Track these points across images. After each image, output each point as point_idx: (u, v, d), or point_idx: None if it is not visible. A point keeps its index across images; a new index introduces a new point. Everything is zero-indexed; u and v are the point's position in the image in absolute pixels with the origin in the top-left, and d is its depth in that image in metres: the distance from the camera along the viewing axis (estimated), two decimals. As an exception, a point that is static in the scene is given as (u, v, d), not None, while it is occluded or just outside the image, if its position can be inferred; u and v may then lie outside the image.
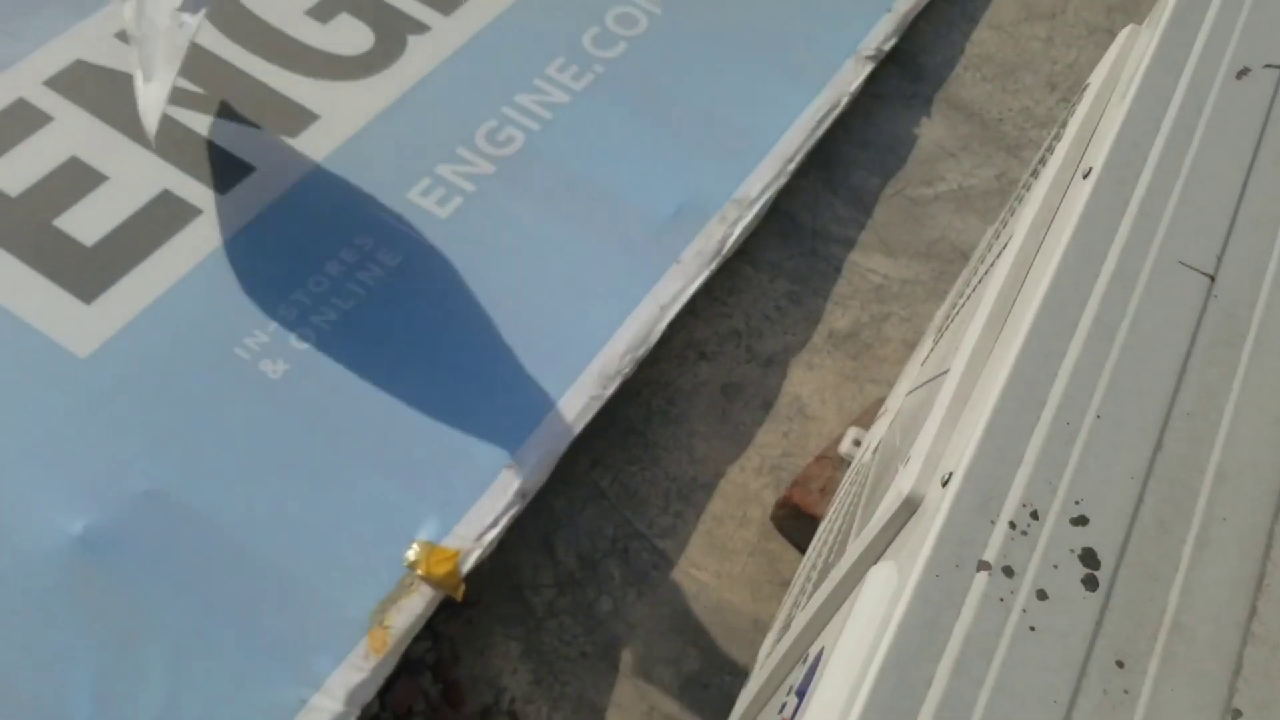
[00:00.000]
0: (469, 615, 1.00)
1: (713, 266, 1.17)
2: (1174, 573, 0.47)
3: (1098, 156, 0.62)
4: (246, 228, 1.11)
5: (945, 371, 0.60)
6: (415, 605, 0.94)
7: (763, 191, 1.24)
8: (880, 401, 1.08)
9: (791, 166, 1.26)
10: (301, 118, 1.20)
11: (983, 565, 0.46)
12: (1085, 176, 0.61)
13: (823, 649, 0.54)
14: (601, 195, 1.21)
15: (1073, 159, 0.68)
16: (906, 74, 1.44)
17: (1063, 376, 0.52)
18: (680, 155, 1.25)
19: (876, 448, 0.74)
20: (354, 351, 1.06)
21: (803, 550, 1.07)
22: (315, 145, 1.18)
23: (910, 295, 1.25)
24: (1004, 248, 0.67)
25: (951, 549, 0.46)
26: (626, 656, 1.01)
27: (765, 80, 1.33)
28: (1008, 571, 0.46)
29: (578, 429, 1.05)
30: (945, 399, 0.56)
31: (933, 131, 1.40)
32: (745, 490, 1.10)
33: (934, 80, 1.44)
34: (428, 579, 0.95)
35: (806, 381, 1.18)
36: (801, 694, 0.54)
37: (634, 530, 1.07)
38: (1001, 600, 0.45)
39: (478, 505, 1.00)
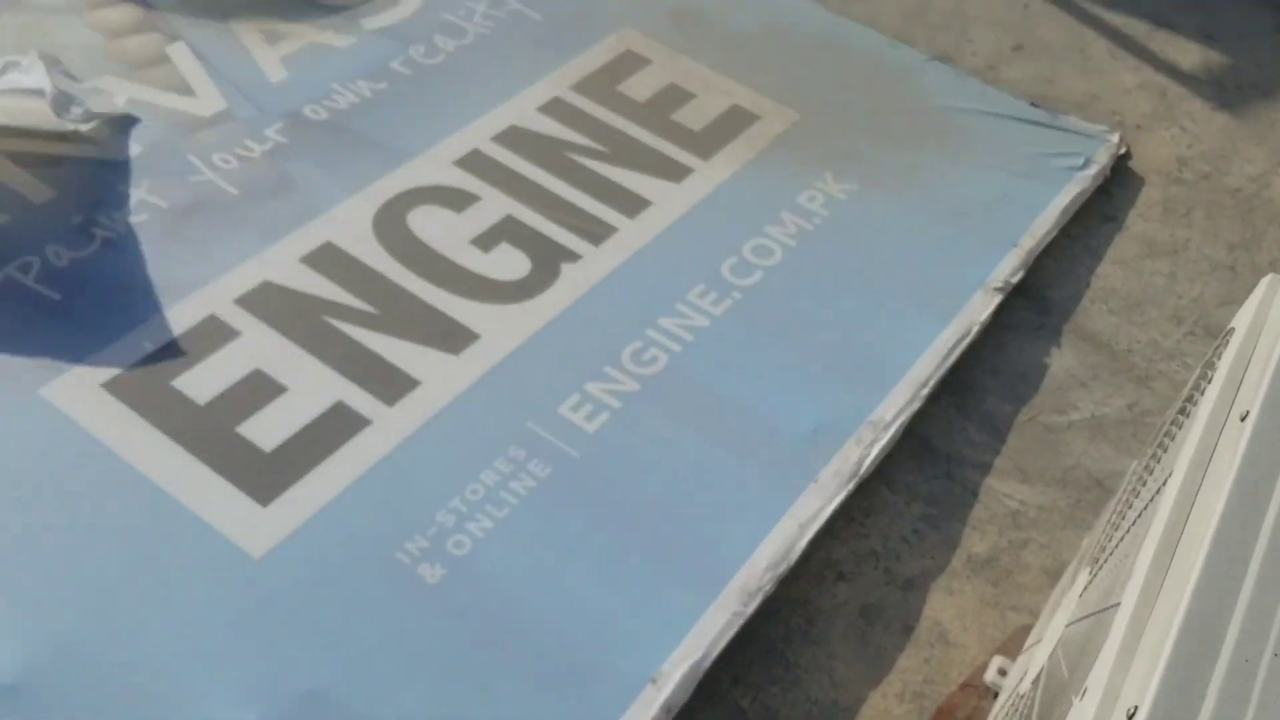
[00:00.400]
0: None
1: (850, 487, 1.20)
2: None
3: (1253, 401, 0.65)
4: (411, 438, 1.18)
5: (1115, 605, 0.62)
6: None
7: (897, 415, 1.28)
8: (1025, 629, 1.08)
9: (925, 391, 1.30)
10: (463, 337, 1.29)
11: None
12: (1242, 419, 0.63)
13: None
14: (740, 414, 1.26)
15: (1225, 401, 0.71)
16: (1034, 306, 1.48)
17: (1238, 614, 0.54)
18: (815, 378, 1.31)
19: (1038, 678, 0.75)
20: (507, 559, 1.10)
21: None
22: (475, 363, 1.27)
23: (1048, 522, 1.26)
24: (1162, 485, 0.69)
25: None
26: None
27: (896, 309, 1.40)
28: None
29: (721, 646, 1.06)
30: (1119, 634, 0.58)
31: (1063, 361, 1.43)
32: (888, 717, 1.10)
33: (1061, 312, 1.49)
34: (574, 794, 0.96)
35: (946, 607, 1.19)
36: None
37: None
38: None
39: (621, 720, 1.01)
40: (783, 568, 1.13)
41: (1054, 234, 1.53)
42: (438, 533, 1.11)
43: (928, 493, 1.28)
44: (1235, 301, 1.53)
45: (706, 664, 1.05)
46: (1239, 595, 0.55)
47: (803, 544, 1.15)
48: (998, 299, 1.42)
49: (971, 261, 1.47)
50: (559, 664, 1.04)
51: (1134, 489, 0.83)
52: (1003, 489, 1.29)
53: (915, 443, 1.31)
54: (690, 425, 1.24)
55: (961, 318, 1.39)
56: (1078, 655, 0.67)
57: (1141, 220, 1.63)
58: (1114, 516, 0.84)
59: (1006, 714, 0.85)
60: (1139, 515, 0.73)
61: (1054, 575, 1.22)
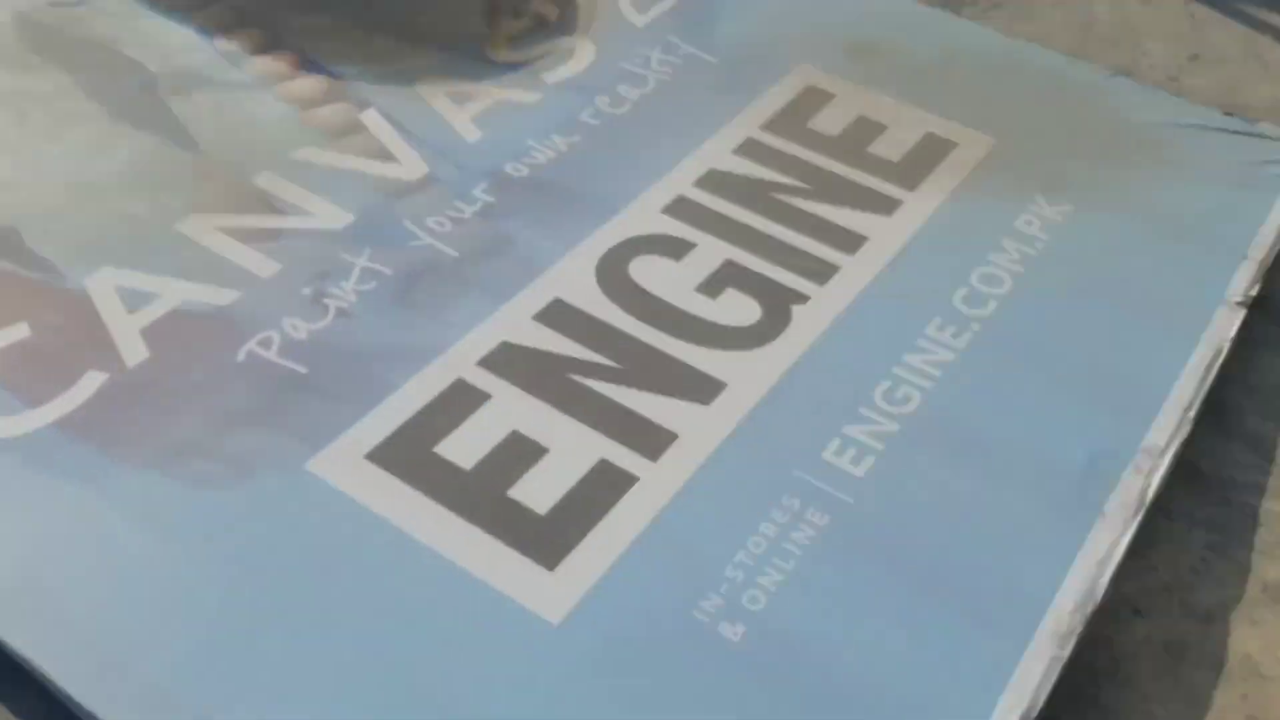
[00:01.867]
0: None
1: (1139, 518, 1.16)
2: None
3: None
4: (681, 493, 1.15)
5: None
6: None
7: (1170, 440, 1.23)
8: None
9: (1192, 414, 1.25)
10: (711, 387, 1.26)
11: None
12: None
13: None
14: (1009, 448, 1.21)
15: None
16: (1274, 319, 1.43)
17: None
18: (1075, 406, 1.26)
19: None
20: (804, 613, 1.06)
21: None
22: (728, 412, 1.23)
23: (1342, 543, 1.21)
24: None
25: None
26: None
27: (1141, 330, 1.34)
28: None
29: (1046, 693, 1.02)
30: None
31: (1314, 374, 1.38)
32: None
33: (1302, 323, 1.44)
34: None
35: (1252, 638, 1.13)
36: None
37: None
38: None
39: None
40: (1089, 607, 1.08)
41: (1279, 244, 1.49)
42: (730, 589, 1.08)
43: (1207, 519, 1.23)
44: None
45: (1034, 714, 1.00)
46: None
47: (1105, 580, 1.10)
48: (1241, 314, 1.37)
49: (1205, 277, 1.42)
50: (864, 713, 1.00)
51: None
52: (1284, 511, 1.24)
53: (1183, 468, 1.27)
54: (962, 463, 1.20)
55: (1209, 335, 1.34)
56: None
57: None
58: None
59: None
60: None
61: (1357, 599, 1.16)
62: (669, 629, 1.06)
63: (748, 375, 1.35)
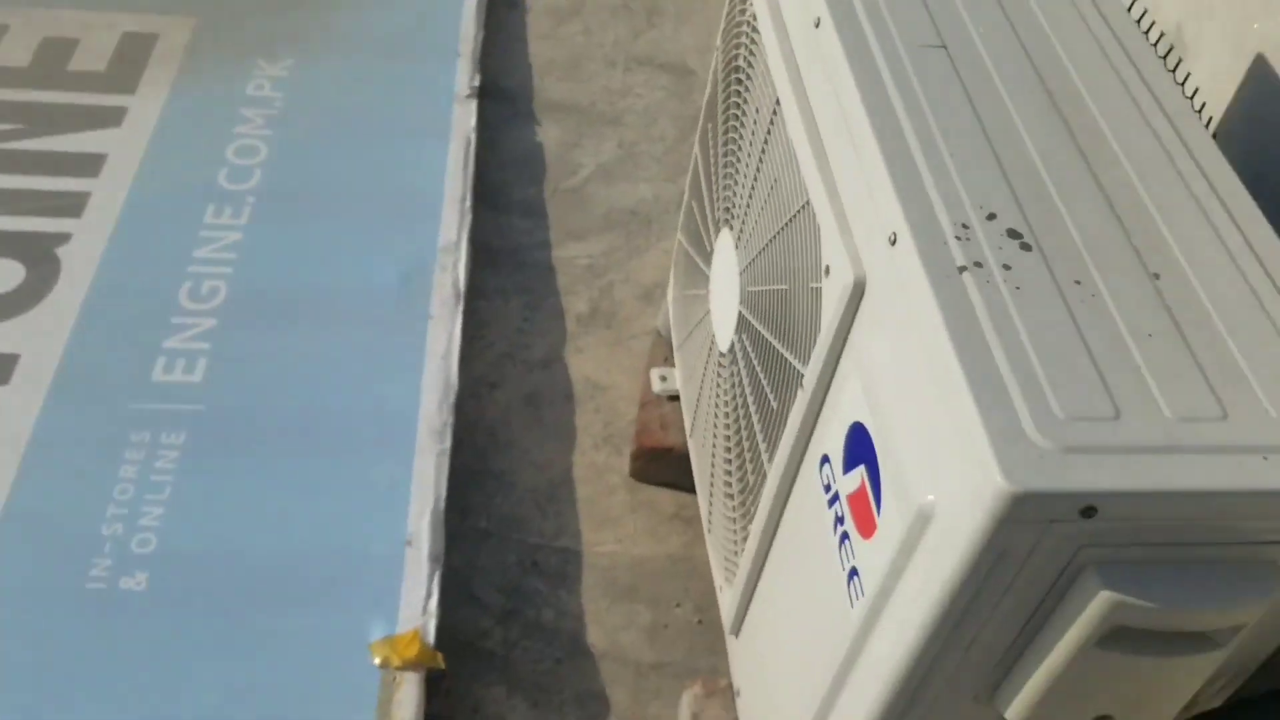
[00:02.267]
0: (445, 688, 1.03)
1: (461, 307, 1.26)
2: (1064, 219, 0.65)
3: (818, 8, 0.78)
4: (18, 479, 1.05)
5: (804, 204, 0.75)
6: (409, 695, 0.96)
7: (459, 233, 1.34)
8: (658, 340, 1.23)
9: (468, 204, 1.37)
10: (3, 366, 1.14)
11: (962, 269, 0.61)
12: (817, 26, 0.77)
13: (857, 422, 0.67)
14: (326, 296, 1.25)
15: (784, 28, 0.84)
16: (500, 99, 1.59)
17: (911, 141, 0.68)
18: (369, 235, 1.32)
19: (733, 346, 0.87)
20: (199, 528, 1.04)
21: (672, 485, 1.18)
22: (31, 384, 1.13)
23: (617, 261, 1.40)
24: (771, 118, 0.83)
25: (938, 269, 0.61)
26: (592, 643, 1.08)
27: (394, 148, 1.43)
28: (978, 265, 0.61)
29: (444, 486, 1.10)
30: (828, 214, 0.71)
31: (549, 134, 1.56)
32: (595, 467, 1.20)
33: (524, 96, 1.61)
34: (405, 665, 0.97)
35: (584, 364, 1.30)
36: (860, 459, 0.66)
37: (531, 545, 1.14)
38: (989, 281, 0.60)
39: (404, 588, 1.02)
40: (451, 398, 1.17)
41: (481, 33, 1.63)
42: (114, 545, 1.02)
43: (515, 286, 1.37)
44: (643, 34, 1.74)
45: (441, 506, 1.08)
46: (899, 120, 0.69)
47: (454, 370, 1.19)
48: (474, 104, 1.50)
49: (431, 81, 1.53)
50: (320, 578, 1.02)
51: (724, 160, 0.97)
52: (568, 254, 1.41)
53: (480, 251, 1.39)
54: (289, 327, 1.21)
55: (457, 132, 1.46)
56: (780, 273, 0.80)
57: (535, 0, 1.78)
58: (716, 187, 0.98)
59: (713, 382, 0.98)
60: (759, 156, 0.86)
61: (645, 295, 1.37)
62: (65, 611, 0.99)
63: (38, 336, 1.24)
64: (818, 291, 0.73)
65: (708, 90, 1.04)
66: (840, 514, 0.70)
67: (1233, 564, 0.58)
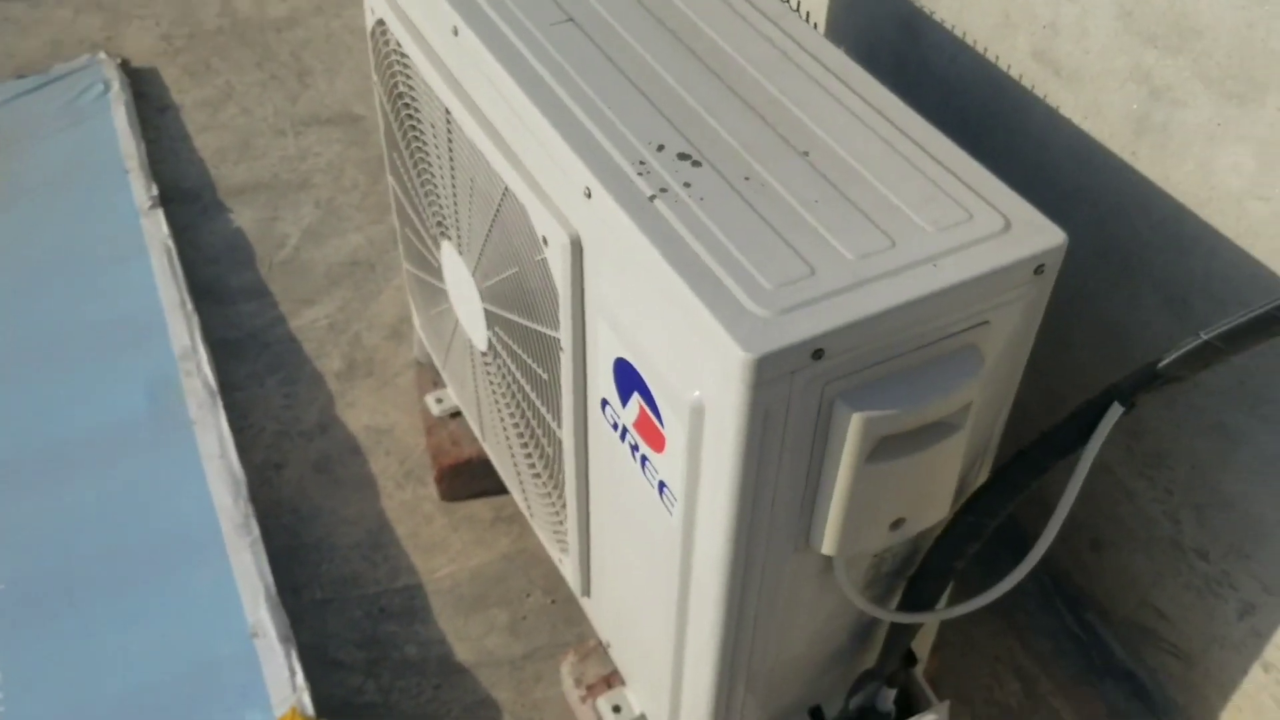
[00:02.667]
0: (339, 754, 1.05)
1: (219, 401, 1.27)
2: (718, 132, 0.74)
3: (453, 20, 0.85)
4: None
5: (505, 190, 0.82)
6: (308, 771, 0.98)
7: (191, 336, 1.34)
8: (422, 368, 1.27)
9: (190, 306, 1.37)
10: None
11: (652, 198, 0.69)
12: (456, 33, 0.84)
13: (618, 358, 0.74)
14: (86, 435, 1.23)
15: (432, 52, 0.90)
16: (186, 199, 1.58)
17: (570, 104, 0.76)
18: (104, 366, 1.31)
19: (490, 342, 0.94)
20: (46, 693, 1.02)
21: (482, 494, 1.24)
22: None
23: (353, 315, 1.44)
24: (449, 134, 0.89)
25: (632, 203, 0.69)
26: (462, 659, 1.12)
27: (103, 271, 1.41)
28: (663, 190, 0.70)
29: (268, 573, 1.11)
30: (526, 192, 0.78)
31: (245, 215, 1.57)
32: (406, 504, 1.24)
33: (208, 190, 1.61)
34: (295, 745, 0.99)
35: (359, 415, 1.33)
36: (632, 388, 0.74)
37: (372, 595, 1.17)
38: (677, 200, 0.69)
39: (266, 675, 1.04)
40: (244, 490, 1.18)
41: (142, 144, 1.62)
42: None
43: (265, 366, 1.38)
44: (301, 96, 1.77)
45: (273, 590, 1.10)
46: (552, 90, 0.77)
47: (235, 461, 1.21)
48: (159, 213, 1.50)
49: (111, 204, 1.52)
50: (172, 709, 1.02)
51: (421, 180, 1.02)
52: (306, 321, 1.43)
53: (219, 346, 1.39)
54: (59, 484, 1.19)
55: (153, 244, 1.46)
56: (506, 259, 0.86)
57: (183, 96, 1.76)
58: (422, 207, 1.03)
59: (485, 382, 1.04)
60: (450, 165, 0.92)
61: (393, 334, 1.41)
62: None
63: None
64: (544, 263, 0.81)
65: (381, 125, 1.10)
66: (634, 442, 0.78)
67: (944, 356, 0.69)
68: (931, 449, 0.71)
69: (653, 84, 0.79)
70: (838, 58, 0.83)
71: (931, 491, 0.75)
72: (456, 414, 1.27)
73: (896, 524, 0.75)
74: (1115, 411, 0.74)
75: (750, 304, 0.64)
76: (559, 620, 1.16)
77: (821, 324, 0.63)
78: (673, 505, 0.75)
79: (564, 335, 0.82)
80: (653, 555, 0.83)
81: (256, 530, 1.15)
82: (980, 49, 1.04)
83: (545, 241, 0.79)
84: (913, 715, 0.94)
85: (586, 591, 1.04)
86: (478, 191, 0.89)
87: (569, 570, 1.04)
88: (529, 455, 1.02)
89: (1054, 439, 0.77)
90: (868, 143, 0.75)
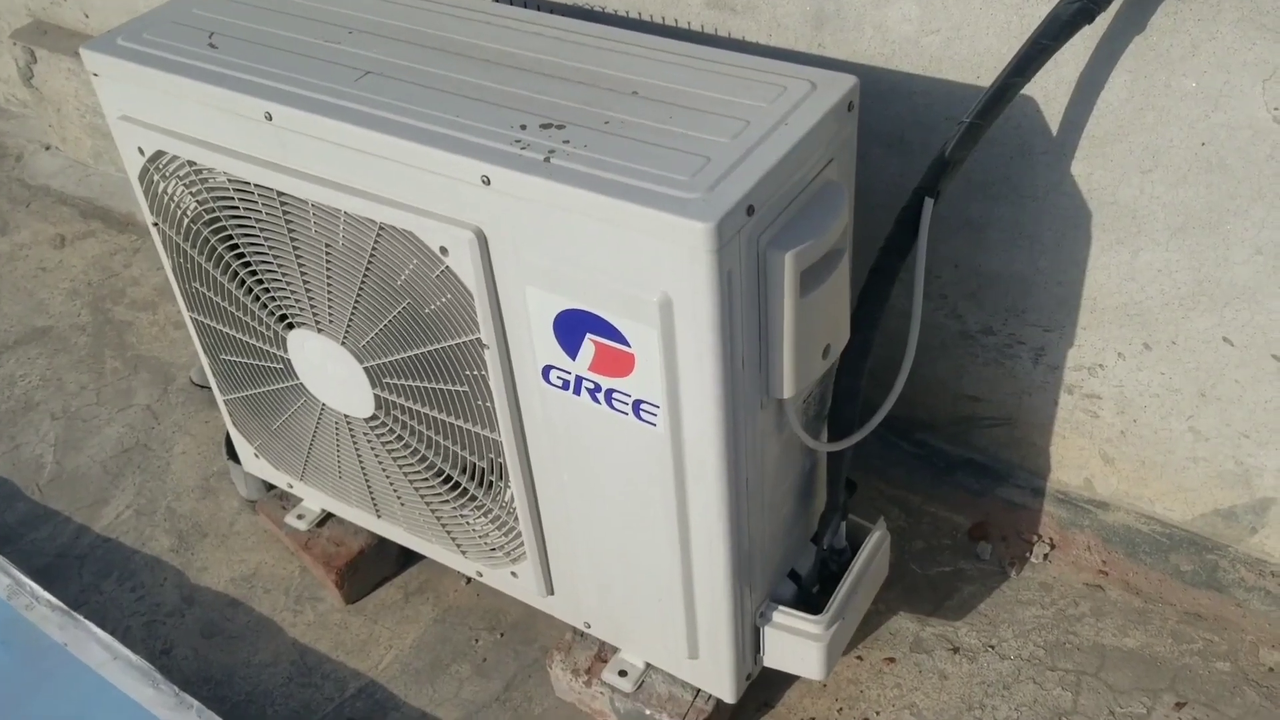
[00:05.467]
0: None
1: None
2: (552, 99, 0.86)
3: (264, 105, 0.90)
4: None
5: (379, 226, 0.88)
6: None
7: None
8: (252, 504, 1.27)
9: (-12, 552, 1.27)
10: None
11: (546, 159, 0.80)
12: (269, 118, 0.90)
13: (560, 312, 0.83)
14: None
15: (238, 130, 0.95)
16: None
17: (420, 125, 0.84)
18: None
19: (379, 401, 0.98)
20: None
21: (382, 581, 1.25)
22: None
23: (149, 499, 1.39)
24: (277, 200, 0.94)
25: (535, 167, 0.79)
26: (451, 719, 1.13)
27: None
28: (551, 151, 0.81)
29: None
30: (406, 216, 0.86)
31: (-20, 462, 1.46)
32: (313, 622, 1.23)
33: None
34: None
35: (219, 574, 1.29)
36: (581, 332, 0.83)
37: (334, 710, 1.15)
38: (570, 154, 0.81)
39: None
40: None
41: None
42: None
43: (94, 573, 1.30)
44: (-32, 333, 1.65)
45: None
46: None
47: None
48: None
49: None
50: None
51: (249, 286, 1.04)
52: (104, 524, 1.36)
53: (38, 577, 1.29)
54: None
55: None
56: (390, 299, 0.92)
57: None
58: (252, 314, 1.05)
59: (373, 450, 1.07)
60: (291, 245, 0.96)
61: (206, 493, 1.38)
62: None
63: None
64: (446, 273, 0.88)
65: (170, 263, 1.10)
66: (593, 385, 0.87)
67: (818, 194, 0.85)
68: (835, 273, 0.86)
69: (475, 90, 0.90)
70: (596, 28, 0.98)
71: (840, 314, 0.91)
72: (323, 521, 1.28)
73: (825, 351, 0.90)
74: (929, 204, 0.93)
75: (683, 193, 0.76)
76: (516, 644, 1.20)
77: (744, 185, 0.77)
78: (654, 415, 0.85)
79: (485, 330, 0.90)
80: (635, 485, 0.92)
81: (194, 700, 1.10)
82: (660, 20, 1.22)
83: (444, 251, 0.87)
84: (862, 542, 1.08)
85: (550, 590, 1.10)
86: (337, 254, 0.95)
87: (526, 579, 1.10)
88: (452, 490, 1.06)
89: (892, 245, 0.95)
90: (668, 69, 0.90)
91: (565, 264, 0.83)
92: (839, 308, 0.90)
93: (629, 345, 0.83)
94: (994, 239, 1.15)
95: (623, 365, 0.85)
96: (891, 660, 1.15)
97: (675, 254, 0.76)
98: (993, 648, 1.16)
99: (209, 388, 1.56)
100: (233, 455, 1.33)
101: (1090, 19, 0.90)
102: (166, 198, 1.05)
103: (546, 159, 0.81)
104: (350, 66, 0.95)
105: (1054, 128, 1.04)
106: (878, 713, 1.11)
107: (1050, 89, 1.02)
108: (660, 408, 0.85)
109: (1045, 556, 1.23)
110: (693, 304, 0.78)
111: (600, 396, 0.88)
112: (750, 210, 0.77)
